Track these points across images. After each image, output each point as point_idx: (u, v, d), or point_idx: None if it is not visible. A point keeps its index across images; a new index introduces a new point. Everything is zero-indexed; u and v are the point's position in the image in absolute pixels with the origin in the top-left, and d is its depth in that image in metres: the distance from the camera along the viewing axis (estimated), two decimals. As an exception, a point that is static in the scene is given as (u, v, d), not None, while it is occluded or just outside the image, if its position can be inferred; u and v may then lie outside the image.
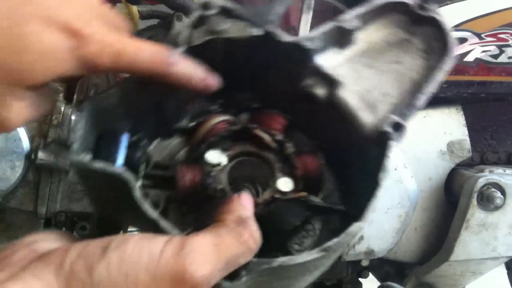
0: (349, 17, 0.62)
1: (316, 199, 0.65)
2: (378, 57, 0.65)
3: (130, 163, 0.56)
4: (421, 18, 0.65)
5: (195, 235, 0.43)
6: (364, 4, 0.64)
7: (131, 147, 0.57)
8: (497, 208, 1.03)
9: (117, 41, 0.46)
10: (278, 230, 0.64)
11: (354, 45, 0.64)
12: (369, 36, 0.65)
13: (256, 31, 0.59)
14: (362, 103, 0.61)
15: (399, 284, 1.02)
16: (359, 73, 0.63)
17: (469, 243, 1.04)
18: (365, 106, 0.61)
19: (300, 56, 0.61)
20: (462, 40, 0.98)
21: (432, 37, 0.65)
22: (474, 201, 1.02)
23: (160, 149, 0.67)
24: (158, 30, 1.04)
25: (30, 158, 0.96)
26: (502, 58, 1.00)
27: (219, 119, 0.67)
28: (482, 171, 1.08)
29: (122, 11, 1.04)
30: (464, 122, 1.10)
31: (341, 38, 0.63)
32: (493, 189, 1.02)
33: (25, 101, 0.44)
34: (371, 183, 0.57)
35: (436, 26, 0.65)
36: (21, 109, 0.44)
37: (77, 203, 1.02)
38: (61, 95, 1.02)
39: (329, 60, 0.62)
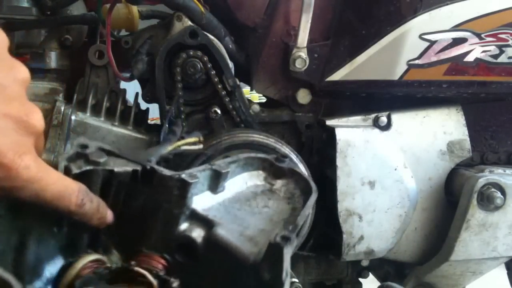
0: (223, 163, 0.67)
1: None
2: (246, 203, 0.68)
3: None
4: (280, 170, 0.72)
5: None
6: (232, 156, 0.71)
7: None
8: (497, 208, 1.03)
9: (41, 179, 0.46)
10: None
11: (223, 192, 0.68)
12: (235, 186, 0.70)
13: (136, 166, 0.59)
14: (242, 237, 0.62)
15: (399, 284, 1.02)
16: (233, 214, 0.66)
17: (469, 243, 1.04)
18: (245, 239, 0.62)
19: (180, 191, 0.61)
20: (462, 40, 0.98)
21: (292, 186, 0.71)
22: (474, 201, 1.02)
23: None
24: (158, 30, 1.04)
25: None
26: (502, 58, 1.00)
27: (88, 259, 0.59)
28: (482, 171, 1.08)
29: (122, 11, 1.04)
30: (464, 122, 1.10)
31: (214, 182, 0.66)
32: (493, 189, 1.02)
33: None
34: None
35: (294, 176, 0.72)
36: None
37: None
38: (61, 95, 1.01)
39: (203, 203, 0.65)
